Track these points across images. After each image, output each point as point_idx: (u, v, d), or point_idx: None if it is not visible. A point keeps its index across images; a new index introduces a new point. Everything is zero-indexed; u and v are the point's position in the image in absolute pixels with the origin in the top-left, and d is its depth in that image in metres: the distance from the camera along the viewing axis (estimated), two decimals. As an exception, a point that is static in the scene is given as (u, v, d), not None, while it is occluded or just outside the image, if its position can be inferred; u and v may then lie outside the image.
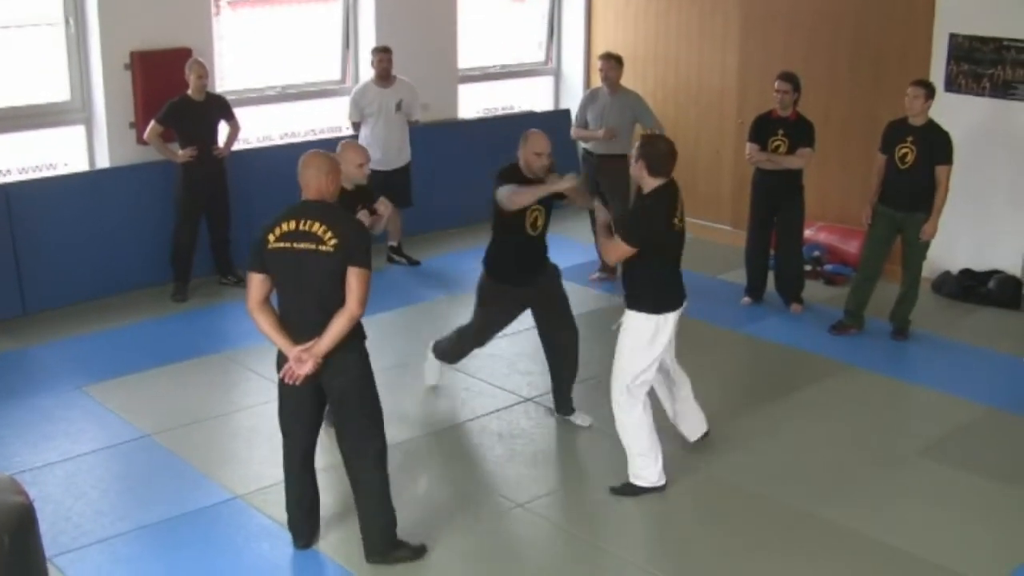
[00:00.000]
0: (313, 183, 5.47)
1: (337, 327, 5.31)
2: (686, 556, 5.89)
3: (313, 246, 5.31)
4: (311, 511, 5.87)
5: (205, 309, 9.55)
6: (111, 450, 7.00)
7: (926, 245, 8.78)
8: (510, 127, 12.35)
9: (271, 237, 5.39)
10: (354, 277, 5.30)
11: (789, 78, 9.24)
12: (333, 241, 5.28)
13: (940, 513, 6.37)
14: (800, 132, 9.24)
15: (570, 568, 5.84)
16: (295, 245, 5.34)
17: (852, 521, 6.21)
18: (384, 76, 10.39)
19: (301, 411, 5.62)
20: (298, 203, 5.52)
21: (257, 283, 5.45)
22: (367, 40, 11.11)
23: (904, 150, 8.60)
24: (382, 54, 10.37)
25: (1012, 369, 8.41)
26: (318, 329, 5.34)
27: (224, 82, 10.31)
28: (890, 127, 8.79)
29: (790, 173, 9.30)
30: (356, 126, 10.55)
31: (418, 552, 5.77)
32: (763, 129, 9.37)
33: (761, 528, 6.19)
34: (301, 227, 5.34)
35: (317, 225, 5.32)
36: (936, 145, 8.55)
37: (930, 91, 8.57)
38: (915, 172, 8.57)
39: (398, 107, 10.41)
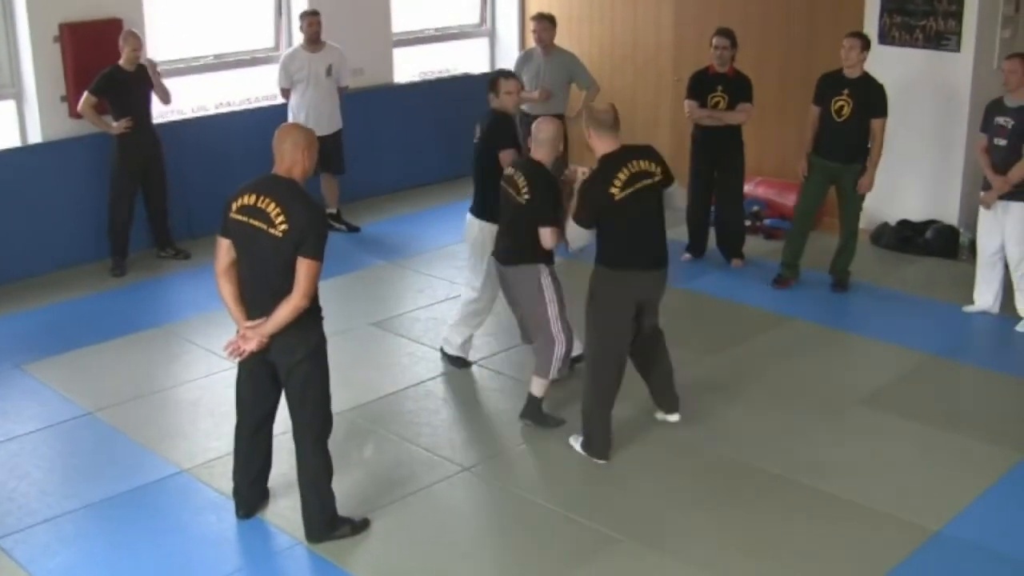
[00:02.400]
0: (288, 157, 5.36)
1: (281, 315, 5.26)
2: (631, 512, 5.93)
3: (264, 226, 5.25)
4: (256, 481, 5.86)
5: (144, 283, 9.45)
6: (53, 428, 6.94)
7: (862, 197, 8.86)
8: (446, 90, 12.39)
9: (234, 206, 5.35)
10: (302, 268, 5.23)
11: (727, 34, 9.26)
12: (284, 226, 5.21)
13: (881, 460, 6.45)
14: (739, 87, 9.27)
15: (518, 530, 5.87)
16: (250, 220, 5.28)
17: (790, 471, 6.28)
18: (313, 40, 10.25)
19: (251, 382, 5.61)
20: (265, 176, 5.44)
21: (223, 249, 5.42)
22: (300, 5, 10.97)
23: (840, 103, 8.64)
24: (311, 18, 10.24)
25: (950, 317, 8.51)
26: (267, 307, 5.31)
27: (155, 51, 10.15)
28: (824, 79, 8.82)
29: (730, 129, 9.34)
30: (285, 92, 10.40)
31: (360, 527, 5.75)
32: (701, 86, 9.39)
33: (703, 481, 6.25)
34: (258, 203, 5.28)
35: (273, 205, 5.24)
36: (872, 98, 8.61)
37: (865, 42, 8.62)
38: (851, 124, 8.63)
39: (328, 72, 10.30)
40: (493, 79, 7.54)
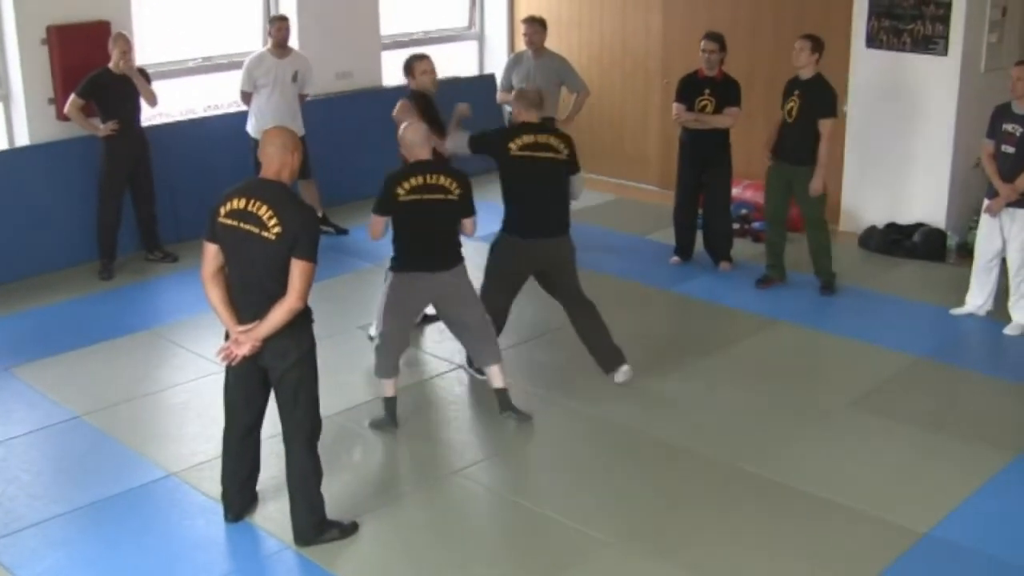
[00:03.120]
0: (276, 160, 5.36)
1: (275, 317, 5.26)
2: (618, 515, 5.94)
3: (256, 230, 5.24)
4: (244, 485, 5.85)
5: (133, 286, 9.43)
6: (42, 432, 6.92)
7: (819, 199, 8.83)
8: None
9: (222, 210, 5.33)
10: (296, 270, 5.23)
11: (715, 38, 9.27)
12: (276, 229, 5.21)
13: (869, 463, 6.46)
14: (727, 91, 9.28)
15: (509, 533, 5.88)
16: (241, 225, 5.27)
17: (779, 474, 6.29)
18: (281, 45, 10.15)
19: (241, 386, 5.59)
20: (253, 180, 5.47)
21: (210, 254, 5.40)
22: (289, 8, 10.96)
23: (791, 104, 8.71)
24: (280, 23, 10.16)
25: (938, 320, 8.53)
26: (259, 311, 5.30)
27: (144, 54, 10.14)
28: (787, 83, 8.89)
29: (717, 132, 9.35)
30: (246, 96, 10.20)
31: (348, 531, 5.74)
32: (689, 89, 9.40)
33: (692, 484, 6.26)
34: (249, 207, 5.26)
35: (264, 208, 5.23)
36: (818, 98, 8.64)
37: (816, 44, 8.66)
38: (799, 125, 8.67)
39: (294, 78, 10.21)
40: (408, 63, 8.13)
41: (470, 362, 7.45)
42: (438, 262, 6.73)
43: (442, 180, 6.61)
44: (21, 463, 6.54)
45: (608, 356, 7.37)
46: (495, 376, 6.91)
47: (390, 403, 6.85)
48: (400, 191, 6.54)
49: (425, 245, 6.69)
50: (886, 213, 10.14)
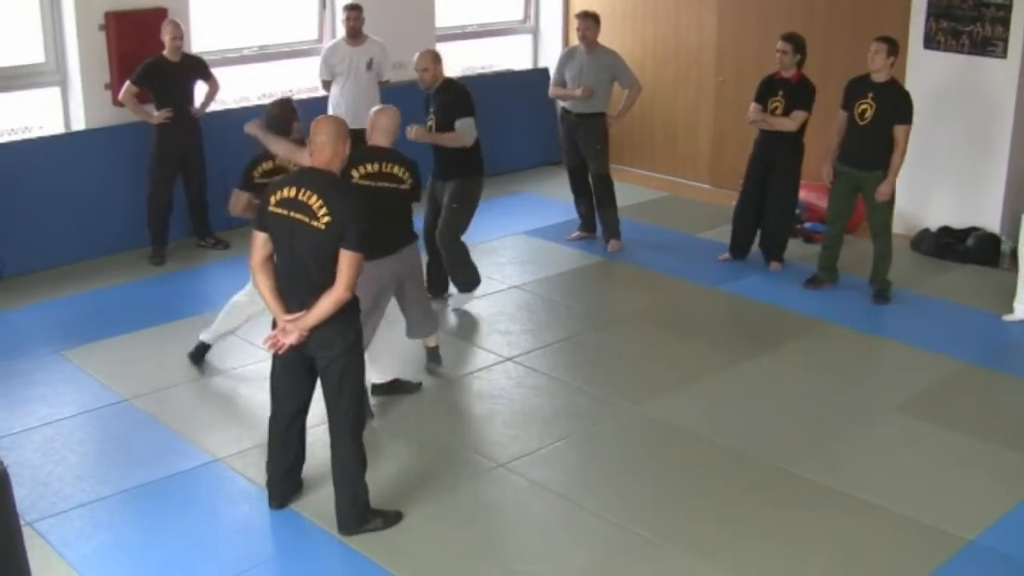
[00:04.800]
0: (328, 149, 5.39)
1: (323, 307, 5.28)
2: (661, 512, 5.91)
3: (306, 218, 5.26)
4: (288, 474, 5.88)
5: (183, 272, 9.52)
6: (90, 414, 6.99)
7: (887, 204, 8.73)
8: (488, 86, 12.37)
9: (272, 199, 5.36)
10: (345, 260, 5.25)
11: (789, 38, 9.16)
12: (327, 218, 5.23)
13: (915, 468, 6.40)
14: (797, 94, 9.15)
15: (549, 528, 5.86)
16: (291, 213, 5.29)
17: (823, 476, 6.24)
18: (354, 34, 10.30)
19: (287, 375, 5.62)
20: (304, 169, 5.52)
21: (259, 242, 5.43)
22: (345, -2, 11.02)
23: (863, 106, 8.56)
24: (352, 12, 10.28)
25: (989, 326, 8.44)
26: (306, 300, 5.33)
27: (200, 42, 10.22)
28: (852, 83, 8.75)
29: (783, 135, 9.25)
30: (326, 84, 10.47)
31: (391, 520, 5.75)
32: (765, 89, 9.34)
33: (733, 483, 6.22)
34: (299, 196, 5.29)
35: (315, 198, 5.26)
36: (896, 104, 8.49)
37: (892, 47, 8.50)
38: (873, 129, 8.52)
39: (368, 66, 10.32)
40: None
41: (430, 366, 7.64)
42: (396, 242, 6.95)
43: (396, 170, 6.82)
44: (69, 444, 6.61)
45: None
46: (431, 339, 7.51)
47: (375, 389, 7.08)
48: (355, 174, 6.69)
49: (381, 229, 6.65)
50: (940, 216, 10.04)
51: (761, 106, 9.30)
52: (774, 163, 9.38)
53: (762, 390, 7.37)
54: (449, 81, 8.56)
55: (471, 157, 8.46)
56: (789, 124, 9.17)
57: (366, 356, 5.92)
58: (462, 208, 8.53)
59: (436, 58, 8.44)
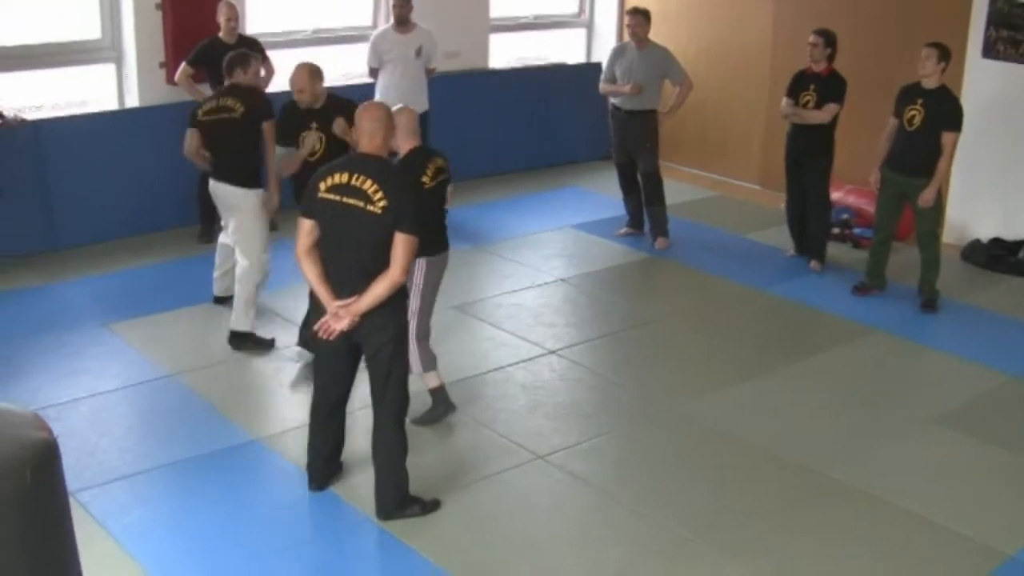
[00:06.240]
0: (379, 135, 5.41)
1: (378, 290, 5.29)
2: (697, 513, 5.89)
3: (361, 203, 5.27)
4: (329, 459, 5.91)
5: (231, 251, 9.56)
6: (135, 388, 7.05)
7: (935, 211, 8.66)
8: (540, 78, 12.40)
9: (322, 185, 5.36)
10: (400, 243, 5.26)
11: (821, 32, 9.22)
12: (383, 203, 5.24)
13: (954, 479, 6.35)
14: (829, 87, 9.18)
15: (586, 522, 5.86)
16: (344, 199, 5.30)
17: (863, 483, 6.20)
18: (403, 22, 10.27)
19: (332, 362, 5.64)
20: (355, 154, 5.53)
21: (306, 229, 5.43)
22: (400, -15, 11.03)
23: (912, 112, 8.49)
24: None
25: (1037, 339, 8.37)
26: (355, 285, 5.34)
27: (255, 24, 10.25)
28: (902, 90, 8.69)
29: (814, 130, 9.25)
30: (374, 72, 10.43)
31: (429, 507, 5.77)
32: (797, 84, 9.38)
33: (771, 487, 6.20)
34: (353, 181, 5.30)
35: (369, 183, 5.27)
36: (945, 110, 8.42)
37: (943, 53, 8.43)
38: (921, 136, 8.45)
39: (417, 54, 10.31)
40: None
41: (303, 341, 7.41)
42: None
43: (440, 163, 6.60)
44: (114, 417, 6.67)
45: None
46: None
47: (441, 391, 6.82)
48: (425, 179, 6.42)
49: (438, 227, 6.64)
50: (992, 227, 9.95)
51: (793, 100, 9.31)
52: (804, 157, 9.40)
53: (803, 395, 7.34)
54: (334, 96, 7.76)
55: None
56: (822, 116, 9.18)
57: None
58: None
59: (314, 74, 7.57)
